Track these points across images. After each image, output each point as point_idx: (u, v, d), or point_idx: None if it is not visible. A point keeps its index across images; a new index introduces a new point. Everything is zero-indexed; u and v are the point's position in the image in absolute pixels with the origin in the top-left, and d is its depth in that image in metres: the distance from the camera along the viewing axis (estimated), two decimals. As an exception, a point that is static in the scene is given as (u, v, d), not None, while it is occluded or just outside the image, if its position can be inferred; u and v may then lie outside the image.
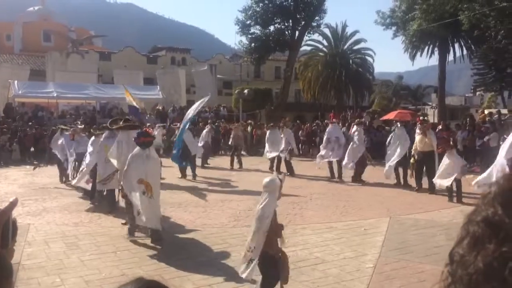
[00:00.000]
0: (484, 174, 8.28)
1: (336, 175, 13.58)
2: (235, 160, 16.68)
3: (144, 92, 28.70)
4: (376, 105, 41.99)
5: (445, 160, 10.24)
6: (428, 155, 11.15)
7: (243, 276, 4.52)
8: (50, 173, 14.11)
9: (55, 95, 25.43)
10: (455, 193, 10.24)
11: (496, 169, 7.65)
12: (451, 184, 10.17)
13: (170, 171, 14.04)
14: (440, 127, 18.32)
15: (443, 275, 0.62)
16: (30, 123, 21.69)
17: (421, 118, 13.12)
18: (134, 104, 16.16)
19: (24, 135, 19.72)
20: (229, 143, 17.73)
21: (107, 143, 9.19)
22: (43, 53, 36.51)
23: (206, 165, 16.95)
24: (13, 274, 1.71)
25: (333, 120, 15.47)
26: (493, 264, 0.56)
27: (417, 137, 11.56)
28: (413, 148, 11.74)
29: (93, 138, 10.70)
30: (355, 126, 13.69)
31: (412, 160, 11.80)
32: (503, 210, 0.59)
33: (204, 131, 18.48)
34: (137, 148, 7.10)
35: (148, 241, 7.08)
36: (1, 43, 45.68)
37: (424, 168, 11.39)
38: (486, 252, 0.58)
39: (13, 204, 1.22)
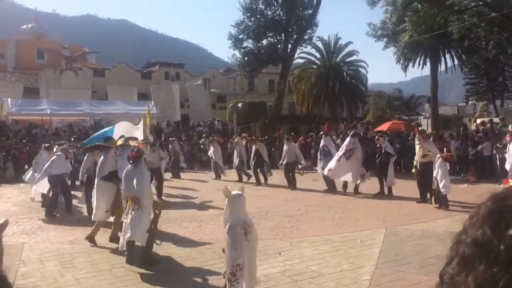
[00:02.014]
0: None
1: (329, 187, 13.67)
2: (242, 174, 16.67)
3: (138, 108, 28.69)
4: (370, 116, 42.22)
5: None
6: (427, 166, 11.18)
7: None
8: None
9: (49, 112, 25.40)
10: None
11: None
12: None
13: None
14: (432, 137, 18.44)
15: None
16: (24, 141, 21.61)
17: (419, 128, 13.20)
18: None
19: (19, 153, 19.63)
20: (235, 159, 17.28)
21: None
22: (36, 70, 36.51)
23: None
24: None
25: (326, 131, 15.52)
26: (484, 286, 0.57)
27: (417, 148, 11.63)
28: (415, 159, 11.81)
29: (86, 156, 10.74)
30: (349, 138, 13.73)
31: (413, 170, 11.86)
32: (492, 231, 0.60)
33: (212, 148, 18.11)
34: (128, 165, 7.14)
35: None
36: (-5, 61, 45.69)
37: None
38: (477, 273, 0.58)
39: (3, 226, 1.22)
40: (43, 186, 11.04)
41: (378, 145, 13.31)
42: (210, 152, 17.96)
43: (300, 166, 15.03)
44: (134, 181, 6.82)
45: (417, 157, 11.56)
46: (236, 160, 16.92)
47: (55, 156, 11.18)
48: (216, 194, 13.91)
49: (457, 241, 0.64)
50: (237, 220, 4.47)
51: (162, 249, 7.36)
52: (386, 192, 12.73)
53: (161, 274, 6.33)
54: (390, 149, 12.82)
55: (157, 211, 7.03)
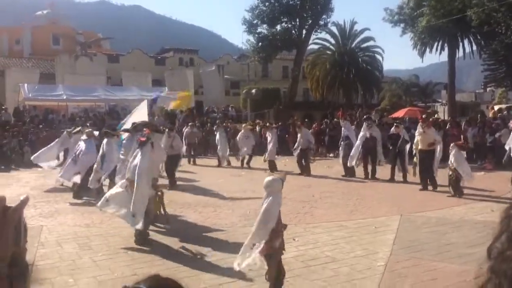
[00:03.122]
0: None
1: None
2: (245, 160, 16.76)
3: (152, 94, 28.81)
4: (386, 102, 41.78)
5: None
6: (428, 153, 11.04)
7: (238, 267, 4.60)
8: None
9: (64, 97, 25.64)
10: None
11: None
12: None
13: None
14: (449, 124, 18.19)
15: (480, 271, 0.62)
16: (40, 126, 21.90)
17: (423, 116, 13.05)
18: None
19: (36, 138, 19.90)
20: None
21: (128, 146, 9.40)
22: (52, 56, 36.81)
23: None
24: (29, 272, 1.74)
25: (342, 117, 15.48)
26: None
27: (418, 136, 11.40)
28: (414, 147, 11.65)
29: (106, 140, 10.91)
30: (365, 123, 13.68)
31: (415, 159, 11.70)
32: None
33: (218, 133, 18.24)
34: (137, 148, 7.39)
35: (159, 241, 7.12)
36: (11, 47, 46.12)
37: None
38: None
39: (24, 202, 1.23)
40: (70, 173, 11.27)
41: (396, 133, 13.16)
42: (217, 138, 17.99)
43: (311, 153, 14.98)
44: (134, 165, 7.04)
45: (417, 145, 11.35)
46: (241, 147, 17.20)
47: (82, 142, 11.38)
48: (231, 180, 14.01)
49: (507, 216, 0.62)
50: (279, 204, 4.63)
51: (177, 232, 7.44)
52: (402, 179, 12.63)
53: (176, 256, 6.40)
54: (407, 137, 12.66)
55: (159, 193, 7.18)
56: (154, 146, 7.58)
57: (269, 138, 15.58)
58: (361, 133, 13.52)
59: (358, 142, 13.36)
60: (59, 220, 8.81)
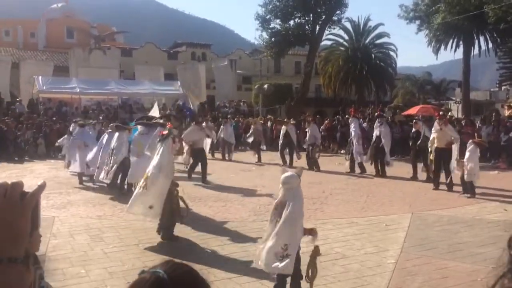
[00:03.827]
0: None
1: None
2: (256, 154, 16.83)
3: (164, 88, 28.98)
4: (399, 100, 41.43)
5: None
6: (445, 151, 10.88)
7: (282, 271, 4.36)
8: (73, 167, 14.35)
9: (78, 90, 25.86)
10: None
11: None
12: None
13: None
14: (463, 122, 18.00)
15: (501, 260, 0.61)
16: (54, 118, 22.12)
17: (440, 113, 12.86)
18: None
19: (49, 130, 20.13)
20: (248, 138, 17.70)
21: (141, 140, 9.49)
22: (66, 49, 37.13)
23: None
24: (38, 260, 1.75)
25: (353, 115, 15.39)
26: None
27: (435, 134, 11.17)
28: (429, 145, 11.46)
29: (117, 133, 11.02)
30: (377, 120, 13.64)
31: (431, 157, 11.52)
32: None
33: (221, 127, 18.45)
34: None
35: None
36: (26, 40, 46.61)
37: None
38: None
39: (41, 187, 1.25)
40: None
41: (415, 130, 13.02)
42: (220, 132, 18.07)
43: (317, 149, 14.91)
44: (154, 160, 7.02)
45: (433, 143, 11.17)
46: (250, 140, 17.44)
47: (107, 135, 11.73)
48: (241, 175, 14.03)
49: None
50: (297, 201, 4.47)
51: (188, 226, 7.48)
52: (424, 177, 12.38)
53: (186, 250, 6.44)
54: (429, 133, 12.36)
55: (176, 191, 7.15)
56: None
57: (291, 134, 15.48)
58: (374, 131, 13.52)
59: (373, 140, 13.38)
60: (71, 212, 8.91)
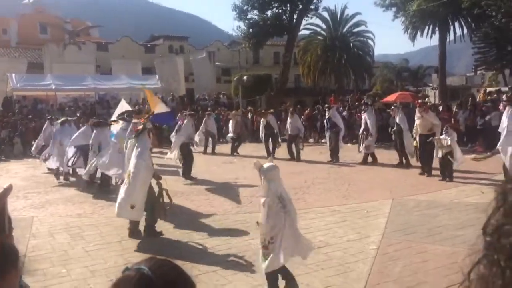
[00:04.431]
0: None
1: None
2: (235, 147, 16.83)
3: (142, 82, 28.58)
4: (378, 87, 41.81)
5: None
6: (428, 137, 10.96)
7: (268, 270, 4.38)
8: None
9: (53, 87, 25.34)
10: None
11: None
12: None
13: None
14: (441, 108, 18.25)
15: (475, 247, 0.60)
16: (29, 116, 21.66)
17: (419, 101, 12.99)
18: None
19: (25, 128, 19.71)
20: (229, 133, 17.55)
21: (123, 135, 9.35)
22: (39, 45, 36.28)
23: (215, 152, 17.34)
24: (19, 260, 1.72)
25: (332, 104, 15.44)
26: None
27: (417, 120, 11.34)
28: (414, 132, 11.62)
29: (98, 129, 10.89)
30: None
31: (414, 144, 11.70)
32: None
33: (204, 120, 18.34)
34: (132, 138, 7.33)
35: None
36: (-3, 37, 45.42)
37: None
38: None
39: (7, 191, 1.20)
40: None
41: (392, 116, 13.15)
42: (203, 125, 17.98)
43: (300, 140, 14.92)
44: (132, 156, 6.92)
45: (417, 130, 11.35)
46: (230, 133, 17.43)
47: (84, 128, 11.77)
48: (223, 167, 14.00)
49: (502, 192, 0.61)
50: (273, 193, 4.37)
51: (170, 221, 7.43)
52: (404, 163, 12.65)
53: (168, 245, 6.40)
54: (403, 122, 12.53)
55: (159, 184, 7.10)
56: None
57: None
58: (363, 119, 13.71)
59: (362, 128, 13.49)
60: (50, 211, 8.76)
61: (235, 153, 16.62)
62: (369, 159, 13.36)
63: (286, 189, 4.59)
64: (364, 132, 13.35)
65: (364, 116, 13.53)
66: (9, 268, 1.60)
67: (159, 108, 11.15)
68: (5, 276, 1.51)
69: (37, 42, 39.72)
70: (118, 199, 6.78)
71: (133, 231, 6.85)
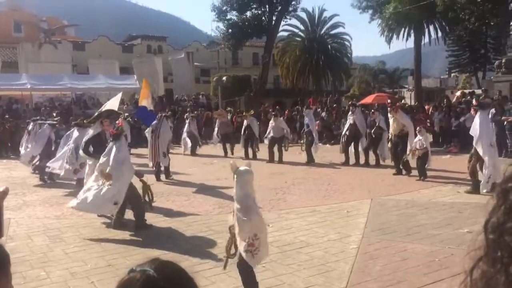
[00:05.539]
0: None
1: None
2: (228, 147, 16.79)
3: (120, 82, 28.26)
4: (356, 89, 42.31)
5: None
6: (400, 138, 11.21)
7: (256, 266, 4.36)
8: (27, 167, 13.82)
9: (28, 86, 24.82)
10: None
11: None
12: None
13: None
14: (415, 109, 18.60)
15: (477, 243, 0.64)
16: (6, 116, 21.13)
17: (388, 101, 13.21)
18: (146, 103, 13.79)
19: (1, 128, 19.23)
20: (216, 133, 17.40)
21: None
22: (14, 44, 35.49)
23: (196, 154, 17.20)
24: (9, 262, 1.71)
25: (311, 106, 15.60)
26: None
27: (390, 121, 11.61)
28: (390, 133, 11.84)
29: (76, 130, 10.72)
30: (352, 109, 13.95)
31: (389, 144, 11.92)
32: None
33: (187, 122, 18.18)
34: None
35: (133, 230, 7.06)
36: (-30, 35, 44.17)
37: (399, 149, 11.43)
38: None
39: (4, 194, 1.21)
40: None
41: (372, 119, 13.33)
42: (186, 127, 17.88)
43: (287, 141, 15.00)
44: (111, 158, 7.03)
45: (391, 130, 11.56)
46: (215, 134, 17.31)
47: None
48: (203, 168, 13.96)
49: (503, 190, 0.65)
50: (248, 194, 4.37)
51: (151, 222, 7.39)
52: (374, 162, 13.01)
53: (150, 246, 6.36)
54: (383, 124, 12.76)
55: (143, 181, 7.23)
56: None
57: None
58: (348, 120, 13.82)
59: (345, 129, 13.67)
60: (27, 213, 8.59)
61: (231, 154, 16.41)
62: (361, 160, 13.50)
63: (255, 197, 4.54)
64: (346, 133, 13.50)
65: (352, 117, 13.58)
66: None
67: (145, 103, 11.14)
68: None
69: (11, 40, 38.80)
70: (97, 199, 6.94)
71: (116, 223, 7.14)
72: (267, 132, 14.86)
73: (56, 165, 11.03)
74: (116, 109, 9.52)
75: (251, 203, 4.33)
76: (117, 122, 9.20)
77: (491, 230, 0.64)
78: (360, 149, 13.47)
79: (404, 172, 11.28)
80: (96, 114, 9.78)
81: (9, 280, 1.79)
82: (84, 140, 8.61)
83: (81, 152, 8.60)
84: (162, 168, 11.77)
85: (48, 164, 11.35)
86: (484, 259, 0.64)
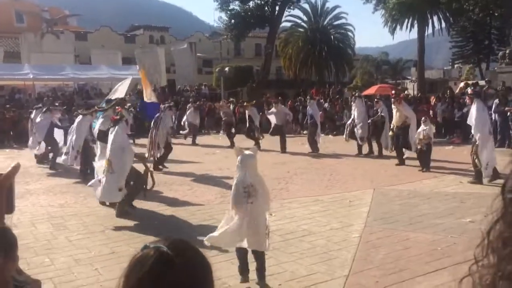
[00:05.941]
0: None
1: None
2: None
3: (123, 72, 28.18)
4: (358, 80, 42.15)
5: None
6: (402, 129, 11.17)
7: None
8: (30, 156, 13.86)
9: (31, 76, 24.81)
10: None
11: None
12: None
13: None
14: (418, 100, 18.55)
15: (493, 207, 0.65)
16: (8, 106, 21.17)
17: (393, 92, 13.20)
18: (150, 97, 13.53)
19: (3, 118, 19.27)
20: (222, 123, 17.45)
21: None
22: (16, 34, 35.40)
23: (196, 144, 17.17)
24: (17, 245, 1.73)
25: (316, 96, 15.56)
26: None
27: (394, 112, 11.56)
28: (393, 124, 11.80)
29: (79, 118, 10.86)
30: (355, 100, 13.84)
31: (390, 133, 11.88)
32: None
33: (189, 111, 18.22)
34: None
35: (137, 219, 7.10)
36: (-28, 25, 44.08)
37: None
38: None
39: (15, 169, 1.21)
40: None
41: (376, 108, 13.29)
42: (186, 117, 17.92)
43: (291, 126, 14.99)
44: (109, 143, 7.15)
45: (394, 121, 11.54)
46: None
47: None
48: (205, 158, 13.97)
49: None
50: (241, 181, 4.44)
51: (154, 211, 7.43)
52: (376, 153, 12.95)
53: (154, 234, 6.38)
54: (386, 113, 12.66)
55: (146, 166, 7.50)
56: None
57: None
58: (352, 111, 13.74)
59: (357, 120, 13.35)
60: (31, 201, 8.65)
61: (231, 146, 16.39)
62: (365, 150, 13.38)
63: (263, 180, 4.64)
64: (352, 122, 13.46)
65: (353, 107, 13.61)
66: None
67: (149, 93, 11.25)
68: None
69: (13, 30, 38.72)
70: (102, 187, 7.09)
71: (121, 211, 7.17)
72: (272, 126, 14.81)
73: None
74: (124, 94, 9.71)
75: (240, 192, 4.40)
76: (117, 108, 9.30)
77: (510, 190, 0.65)
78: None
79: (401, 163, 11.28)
80: (107, 101, 9.93)
81: (16, 263, 1.81)
82: (98, 127, 8.74)
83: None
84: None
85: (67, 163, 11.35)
86: (501, 221, 0.64)
